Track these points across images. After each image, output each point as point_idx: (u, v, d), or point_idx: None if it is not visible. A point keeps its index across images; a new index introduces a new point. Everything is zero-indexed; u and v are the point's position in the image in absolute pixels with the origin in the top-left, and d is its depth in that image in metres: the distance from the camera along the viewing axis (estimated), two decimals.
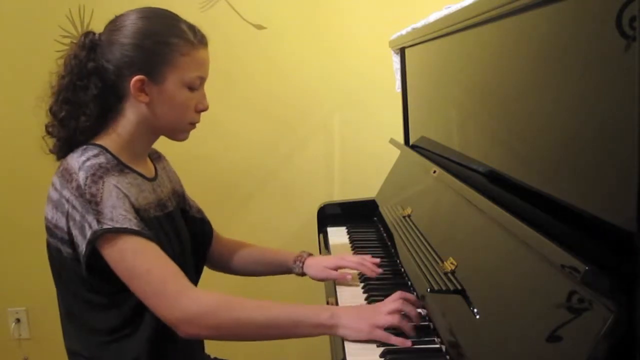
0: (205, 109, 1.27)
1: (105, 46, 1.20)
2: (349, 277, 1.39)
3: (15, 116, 2.31)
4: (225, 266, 1.53)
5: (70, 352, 1.26)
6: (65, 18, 2.29)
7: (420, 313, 1.16)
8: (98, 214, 1.10)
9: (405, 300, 1.16)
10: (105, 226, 1.10)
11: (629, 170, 0.67)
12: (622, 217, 0.70)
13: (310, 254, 1.48)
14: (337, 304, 1.32)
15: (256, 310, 1.13)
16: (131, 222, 1.12)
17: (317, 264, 1.45)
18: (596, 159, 0.76)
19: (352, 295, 1.35)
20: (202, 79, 1.25)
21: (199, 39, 1.23)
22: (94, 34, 1.24)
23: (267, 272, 1.53)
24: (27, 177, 2.32)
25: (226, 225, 2.37)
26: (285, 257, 1.49)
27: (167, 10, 1.25)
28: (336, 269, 1.42)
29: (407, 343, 1.08)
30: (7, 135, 2.36)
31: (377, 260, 1.44)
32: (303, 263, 1.46)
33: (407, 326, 1.11)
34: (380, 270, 1.40)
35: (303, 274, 1.47)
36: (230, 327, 1.12)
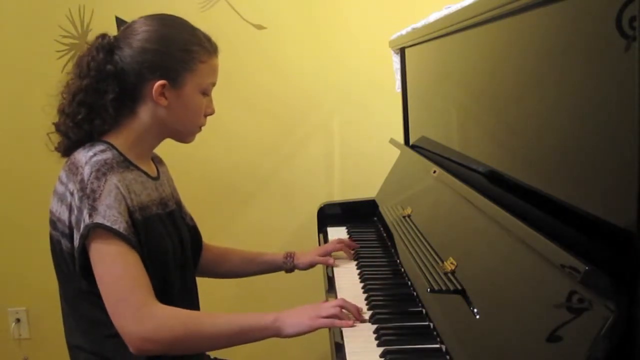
0: (212, 113, 1.33)
1: (125, 50, 1.22)
2: (331, 261, 1.56)
3: (16, 116, 2.31)
4: (213, 271, 1.57)
5: (71, 346, 1.27)
6: (65, 18, 2.29)
7: (360, 310, 1.21)
8: (92, 209, 1.13)
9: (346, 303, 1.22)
10: (95, 220, 1.12)
11: (629, 170, 0.67)
12: (622, 217, 0.70)
13: (294, 252, 1.59)
14: None
15: (208, 322, 1.17)
16: (121, 225, 1.13)
17: (306, 256, 1.58)
18: (596, 159, 0.76)
19: (352, 296, 1.35)
20: (214, 85, 1.31)
21: (214, 48, 1.29)
22: (109, 36, 1.25)
23: (254, 272, 1.60)
24: (27, 177, 2.32)
25: (226, 225, 2.39)
26: (274, 257, 1.58)
27: (181, 18, 1.29)
28: (323, 256, 1.58)
29: (350, 323, 1.17)
30: (8, 135, 2.36)
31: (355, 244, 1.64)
32: (293, 258, 1.57)
33: (347, 317, 1.19)
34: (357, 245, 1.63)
35: (292, 269, 1.58)
36: (184, 341, 1.14)
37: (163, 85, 1.22)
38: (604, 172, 0.75)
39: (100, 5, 2.26)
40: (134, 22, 1.26)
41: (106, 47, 1.23)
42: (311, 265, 1.58)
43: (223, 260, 1.56)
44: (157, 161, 1.40)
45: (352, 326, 1.17)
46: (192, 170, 2.26)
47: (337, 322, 1.17)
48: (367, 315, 1.22)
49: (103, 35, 1.25)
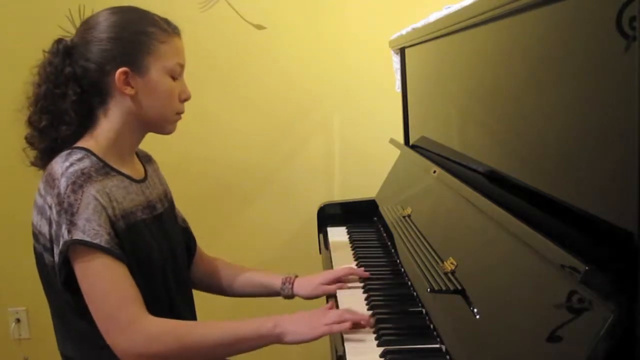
0: (188, 98, 1.27)
1: (81, 47, 1.20)
2: (335, 288, 1.39)
3: (15, 115, 2.31)
4: (208, 286, 1.49)
5: (64, 357, 1.26)
6: (65, 18, 2.28)
7: (368, 318, 1.16)
8: (71, 225, 1.10)
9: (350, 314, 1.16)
10: (75, 237, 1.09)
11: (629, 170, 0.67)
12: (622, 217, 0.70)
13: (296, 276, 1.44)
14: (337, 306, 1.32)
15: (202, 333, 1.13)
16: (102, 239, 1.10)
17: (309, 284, 1.42)
18: (596, 158, 0.76)
19: (352, 296, 1.35)
20: (182, 67, 1.25)
21: (173, 29, 1.24)
22: (65, 40, 1.24)
23: (253, 295, 1.48)
24: (27, 176, 2.32)
25: (226, 226, 2.38)
26: (272, 280, 1.44)
27: (135, 6, 1.25)
28: (330, 283, 1.40)
29: (346, 326, 1.12)
30: (8, 135, 2.35)
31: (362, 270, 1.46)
32: (292, 284, 1.42)
33: (352, 320, 1.13)
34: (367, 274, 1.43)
35: (292, 296, 1.43)
36: (178, 353, 1.12)
37: (126, 73, 1.18)
38: (604, 172, 0.75)
39: (100, 6, 2.24)
40: (89, 18, 1.24)
41: (62, 50, 1.21)
42: (315, 296, 1.42)
43: (219, 275, 1.47)
44: (145, 160, 1.37)
45: (352, 329, 1.13)
46: (191, 169, 2.26)
47: (335, 327, 1.12)
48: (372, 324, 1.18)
49: (59, 40, 1.23)
